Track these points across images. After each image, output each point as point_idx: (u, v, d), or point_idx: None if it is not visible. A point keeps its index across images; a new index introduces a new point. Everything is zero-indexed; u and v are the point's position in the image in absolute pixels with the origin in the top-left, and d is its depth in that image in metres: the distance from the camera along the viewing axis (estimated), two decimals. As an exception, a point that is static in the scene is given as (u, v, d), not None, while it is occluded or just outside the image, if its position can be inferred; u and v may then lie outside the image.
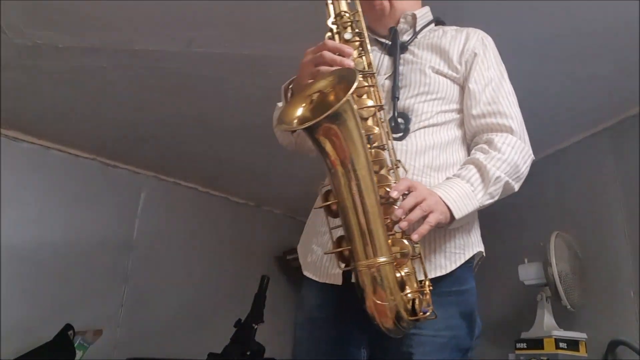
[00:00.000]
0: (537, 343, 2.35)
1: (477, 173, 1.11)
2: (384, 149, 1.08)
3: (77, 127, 2.95)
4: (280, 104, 1.31)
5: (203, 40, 2.25)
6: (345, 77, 0.99)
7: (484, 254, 1.21)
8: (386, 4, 1.31)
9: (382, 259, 0.97)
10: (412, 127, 1.19)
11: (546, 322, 2.43)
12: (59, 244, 3.00)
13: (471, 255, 1.16)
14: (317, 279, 1.20)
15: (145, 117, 2.85)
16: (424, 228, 1.00)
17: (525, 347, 2.39)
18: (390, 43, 1.29)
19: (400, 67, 1.24)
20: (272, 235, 4.00)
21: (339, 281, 1.13)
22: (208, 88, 2.58)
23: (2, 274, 2.71)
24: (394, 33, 1.29)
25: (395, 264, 1.00)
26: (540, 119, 2.69)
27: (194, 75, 2.49)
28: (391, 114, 1.19)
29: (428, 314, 1.01)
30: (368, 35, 1.21)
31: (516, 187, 1.17)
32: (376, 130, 1.08)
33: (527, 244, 2.72)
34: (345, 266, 1.01)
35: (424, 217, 1.00)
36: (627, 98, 2.47)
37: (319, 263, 1.20)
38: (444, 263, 1.12)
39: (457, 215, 1.05)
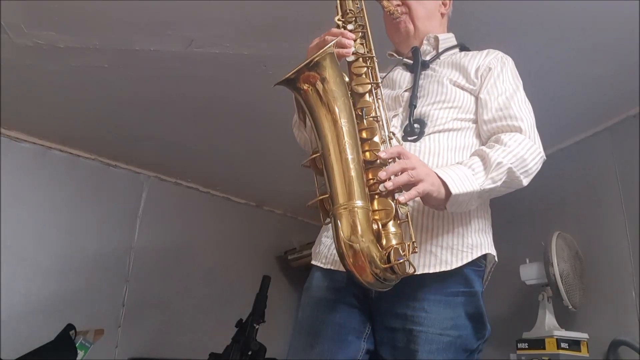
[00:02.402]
0: (538, 343, 2.35)
1: (479, 161, 1.12)
2: (377, 121, 1.12)
3: (77, 127, 2.95)
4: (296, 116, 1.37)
5: (203, 40, 2.25)
6: (328, 45, 1.09)
7: (497, 260, 1.23)
8: (410, 26, 1.39)
9: (358, 203, 1.00)
10: (427, 130, 1.22)
11: (547, 322, 2.43)
12: (60, 244, 3.00)
13: (479, 255, 1.17)
14: (322, 265, 1.24)
15: (145, 117, 2.85)
16: (411, 193, 1.00)
17: (526, 347, 2.39)
18: (412, 62, 1.36)
19: (420, 81, 1.30)
20: (273, 235, 3.99)
21: (342, 267, 1.14)
22: (208, 88, 2.58)
23: (2, 273, 2.71)
24: (414, 50, 1.36)
25: (377, 217, 1.02)
26: (540, 119, 2.68)
27: (194, 75, 2.49)
28: (408, 121, 1.24)
29: (402, 261, 1.00)
30: (395, 57, 1.39)
31: (524, 181, 1.16)
32: (372, 105, 1.14)
33: (528, 244, 2.71)
34: (328, 220, 1.04)
35: (414, 185, 1.01)
36: (627, 98, 2.47)
37: (326, 251, 1.25)
38: (450, 259, 1.13)
39: (454, 190, 1.04)
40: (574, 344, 2.30)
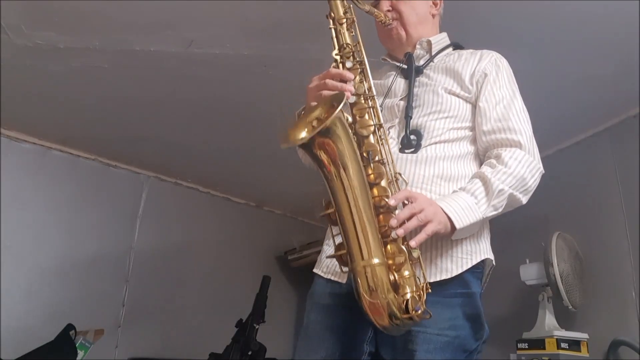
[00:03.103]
0: (538, 343, 2.35)
1: (482, 186, 1.16)
2: (384, 164, 1.14)
3: (77, 127, 2.95)
4: None
5: (203, 40, 2.25)
6: (335, 100, 1.09)
7: (494, 263, 1.26)
8: (402, 33, 1.39)
9: (375, 261, 1.05)
10: (424, 142, 1.24)
11: (547, 322, 2.43)
12: (60, 244, 3.00)
13: (478, 261, 1.20)
14: (323, 275, 1.28)
15: (145, 117, 2.85)
16: (421, 236, 1.06)
17: (526, 347, 2.39)
18: (406, 67, 1.37)
19: (415, 89, 1.31)
20: (273, 236, 3.99)
21: (343, 280, 1.20)
22: (208, 88, 2.58)
23: (2, 273, 2.70)
24: (408, 57, 1.37)
25: (392, 266, 1.07)
26: (540, 119, 2.68)
27: (194, 75, 2.49)
28: (404, 132, 1.26)
29: (420, 311, 1.05)
30: (388, 62, 1.40)
31: (523, 199, 1.21)
32: (376, 146, 1.16)
33: (528, 244, 2.71)
34: (346, 269, 1.08)
35: (422, 227, 1.06)
36: (627, 98, 2.47)
37: (328, 261, 1.28)
38: (450, 267, 1.17)
39: (458, 225, 1.09)
40: (574, 344, 2.30)
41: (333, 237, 1.12)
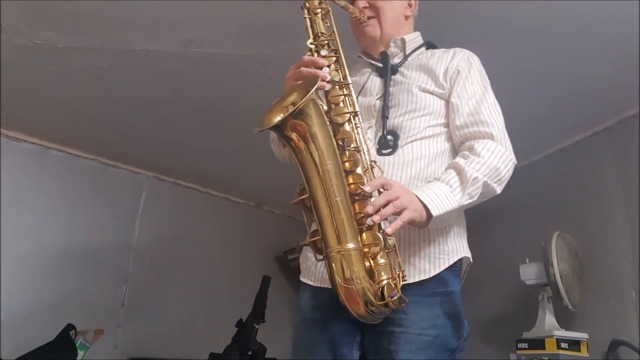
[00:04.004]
0: (538, 343, 2.35)
1: (456, 176, 1.17)
2: (358, 151, 1.15)
3: (77, 127, 2.95)
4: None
5: (203, 40, 2.25)
6: (309, 83, 1.11)
7: (471, 260, 1.27)
8: (377, 31, 1.40)
9: (350, 246, 1.05)
10: (400, 142, 1.25)
11: (547, 322, 2.43)
12: (60, 244, 3.00)
13: (455, 260, 1.22)
14: (312, 283, 1.27)
15: (145, 117, 2.85)
16: (397, 223, 1.06)
17: (526, 347, 2.39)
18: (381, 65, 1.38)
19: (391, 88, 1.33)
20: (273, 235, 3.99)
21: (330, 285, 1.17)
22: (208, 88, 2.58)
23: (2, 273, 2.70)
24: (384, 56, 1.39)
25: (368, 253, 1.07)
26: (540, 119, 2.69)
27: (194, 75, 2.49)
28: (381, 132, 1.27)
29: (396, 298, 1.06)
30: (363, 59, 1.41)
31: (498, 189, 1.22)
32: (352, 134, 1.16)
33: (528, 244, 2.71)
34: (321, 257, 1.08)
35: (398, 214, 1.06)
36: (627, 98, 2.47)
37: (314, 268, 1.27)
38: (428, 267, 1.18)
39: (434, 212, 1.09)
40: (574, 344, 2.30)
41: (307, 224, 1.12)
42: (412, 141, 1.26)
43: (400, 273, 1.09)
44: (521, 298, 2.80)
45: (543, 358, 2.30)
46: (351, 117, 1.18)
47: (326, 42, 1.27)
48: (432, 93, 1.31)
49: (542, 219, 2.85)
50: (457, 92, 1.30)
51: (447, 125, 1.31)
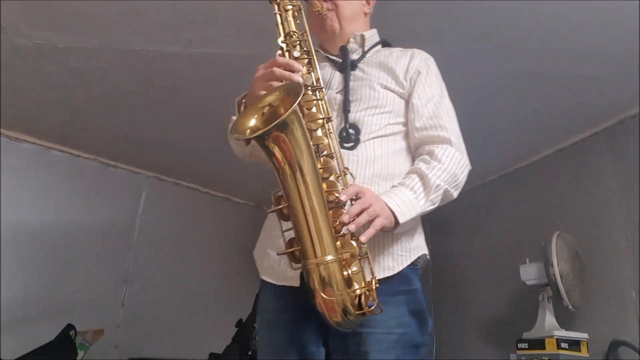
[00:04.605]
0: (538, 343, 2.35)
1: (419, 182, 1.20)
2: (332, 157, 1.15)
3: (77, 127, 2.95)
4: (234, 118, 1.38)
5: (203, 40, 2.25)
6: (292, 90, 1.07)
7: (429, 257, 1.30)
8: (336, 25, 1.40)
9: (329, 258, 1.04)
10: (362, 137, 1.26)
11: (547, 322, 2.43)
12: (60, 245, 3.00)
13: (416, 257, 1.24)
14: (275, 282, 1.25)
15: (145, 117, 2.85)
16: (370, 231, 1.07)
17: (526, 347, 2.39)
18: (341, 61, 1.39)
19: (351, 83, 1.33)
20: (273, 236, 3.99)
21: (296, 283, 1.18)
22: (208, 88, 2.58)
23: (2, 273, 2.71)
24: (344, 51, 1.39)
25: (343, 262, 1.08)
26: (540, 119, 2.69)
27: (194, 75, 2.49)
28: (343, 125, 1.28)
29: (373, 307, 1.07)
30: (321, 53, 1.39)
31: (455, 194, 1.26)
32: (325, 140, 1.16)
33: (528, 244, 2.72)
34: (298, 266, 1.07)
35: (371, 221, 1.08)
36: (627, 98, 2.47)
37: (276, 266, 1.26)
38: (392, 265, 1.20)
39: (401, 220, 1.12)
40: (574, 344, 2.30)
41: (283, 233, 1.10)
42: (373, 138, 1.27)
43: (373, 280, 1.11)
44: (521, 298, 2.80)
45: (543, 358, 2.30)
46: (324, 122, 1.18)
47: (298, 41, 1.25)
48: (392, 91, 1.33)
49: (542, 219, 2.85)
50: (417, 94, 1.32)
51: (405, 124, 1.34)
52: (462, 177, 1.26)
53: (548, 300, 2.48)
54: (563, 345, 2.27)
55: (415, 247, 1.25)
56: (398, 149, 1.31)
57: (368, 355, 1.13)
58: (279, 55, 1.26)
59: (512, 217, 2.97)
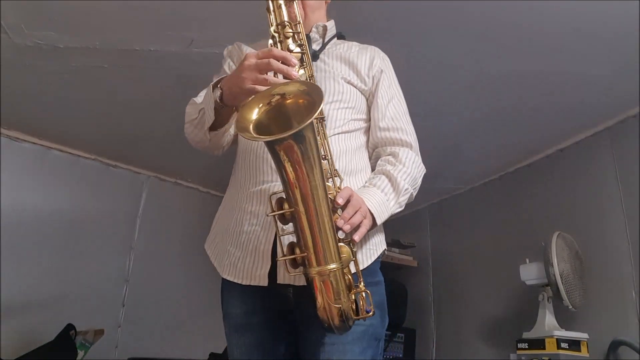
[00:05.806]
0: (538, 343, 2.35)
1: (389, 184, 1.24)
2: (325, 159, 1.14)
3: (77, 127, 2.95)
4: (196, 99, 1.39)
5: (203, 40, 2.25)
6: (312, 94, 1.01)
7: (385, 252, 1.34)
8: (301, 12, 1.34)
9: (332, 266, 1.04)
10: (328, 131, 1.23)
11: (547, 322, 2.43)
12: (59, 244, 3.00)
13: (382, 250, 1.29)
14: (239, 282, 1.21)
15: (145, 117, 2.85)
16: (362, 231, 1.11)
17: (526, 347, 2.39)
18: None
19: (315, 74, 1.29)
20: (273, 235, 3.99)
21: (264, 282, 1.17)
22: (208, 88, 2.58)
23: (2, 273, 2.71)
24: (308, 41, 1.33)
25: (344, 270, 1.08)
26: (540, 119, 2.69)
27: (194, 75, 2.48)
28: None
29: (371, 313, 1.10)
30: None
31: (414, 196, 1.31)
32: (320, 141, 1.15)
33: (528, 243, 2.71)
34: (296, 271, 1.06)
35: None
36: (627, 98, 2.47)
37: (240, 265, 1.22)
38: (362, 259, 1.22)
39: (379, 221, 1.17)
40: (574, 344, 2.30)
41: (279, 236, 1.07)
42: (338, 133, 1.28)
43: (360, 283, 1.10)
44: (521, 298, 2.80)
45: (543, 358, 2.29)
46: (319, 122, 1.17)
47: (292, 33, 1.19)
48: (355, 87, 1.34)
49: (542, 219, 2.85)
50: (381, 93, 1.35)
51: (366, 121, 1.36)
52: (420, 181, 1.32)
53: (548, 300, 2.47)
54: (563, 345, 2.27)
55: (380, 242, 1.29)
56: (359, 145, 1.33)
57: (334, 347, 1.14)
58: (271, 45, 1.18)
59: (512, 217, 2.96)
